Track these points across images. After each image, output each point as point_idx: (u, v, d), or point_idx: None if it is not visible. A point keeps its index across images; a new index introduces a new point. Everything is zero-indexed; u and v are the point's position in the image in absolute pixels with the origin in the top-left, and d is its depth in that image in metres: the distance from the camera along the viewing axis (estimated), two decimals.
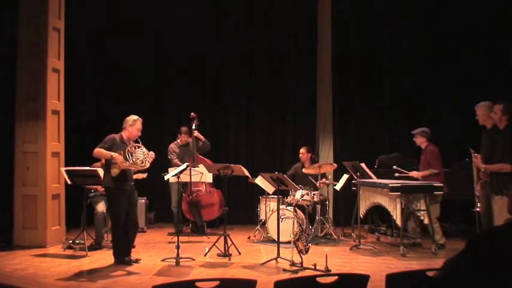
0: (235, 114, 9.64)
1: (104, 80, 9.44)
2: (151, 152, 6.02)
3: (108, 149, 5.88)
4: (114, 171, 5.86)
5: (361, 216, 7.26)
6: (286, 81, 9.58)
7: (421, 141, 7.21)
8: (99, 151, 5.90)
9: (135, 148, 5.93)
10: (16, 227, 7.16)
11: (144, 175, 7.17)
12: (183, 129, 8.39)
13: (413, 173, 7.12)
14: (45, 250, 6.84)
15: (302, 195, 7.43)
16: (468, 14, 8.46)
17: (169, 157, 8.22)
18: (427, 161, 7.05)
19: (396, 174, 7.14)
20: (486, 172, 5.62)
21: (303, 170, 7.94)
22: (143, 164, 5.95)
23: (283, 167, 8.41)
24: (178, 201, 7.62)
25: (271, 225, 7.22)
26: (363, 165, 7.27)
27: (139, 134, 6.11)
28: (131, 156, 5.86)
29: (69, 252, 6.70)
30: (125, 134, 6.08)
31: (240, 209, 9.30)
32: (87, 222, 6.90)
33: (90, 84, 9.11)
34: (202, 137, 8.35)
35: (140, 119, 6.16)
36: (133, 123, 6.08)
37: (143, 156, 5.93)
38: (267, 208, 7.73)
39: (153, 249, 6.93)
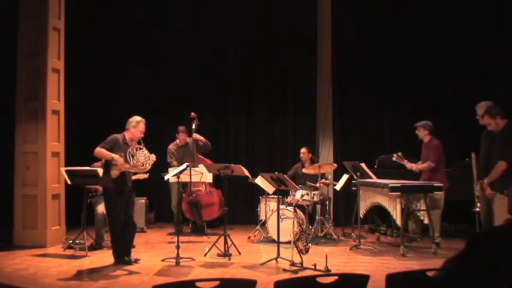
0: (235, 114, 9.65)
1: (103, 80, 9.43)
2: (153, 155, 5.93)
3: (110, 150, 5.81)
4: (114, 173, 5.81)
5: (361, 216, 7.26)
6: (286, 81, 9.58)
7: (423, 134, 7.08)
8: (100, 151, 5.84)
9: (137, 150, 5.87)
10: (16, 227, 7.15)
11: (146, 175, 7.17)
12: (181, 128, 8.35)
13: (412, 165, 7.07)
14: (45, 250, 6.83)
15: (302, 195, 7.43)
16: (468, 12, 8.47)
17: (168, 160, 8.19)
18: (429, 155, 6.98)
19: (394, 159, 7.13)
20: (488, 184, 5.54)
21: (303, 170, 7.95)
22: (144, 167, 5.87)
23: (283, 167, 8.41)
24: (178, 201, 7.62)
25: (271, 225, 7.21)
26: (363, 165, 7.26)
27: (142, 135, 6.05)
28: (132, 158, 5.81)
29: (69, 252, 6.70)
30: (127, 135, 6.03)
31: (240, 209, 9.31)
32: (87, 222, 6.89)
33: (90, 84, 9.10)
34: (202, 138, 8.30)
35: (143, 120, 6.10)
36: (136, 125, 6.02)
37: (144, 158, 5.85)
38: (267, 208, 7.72)
39: (153, 249, 6.93)
